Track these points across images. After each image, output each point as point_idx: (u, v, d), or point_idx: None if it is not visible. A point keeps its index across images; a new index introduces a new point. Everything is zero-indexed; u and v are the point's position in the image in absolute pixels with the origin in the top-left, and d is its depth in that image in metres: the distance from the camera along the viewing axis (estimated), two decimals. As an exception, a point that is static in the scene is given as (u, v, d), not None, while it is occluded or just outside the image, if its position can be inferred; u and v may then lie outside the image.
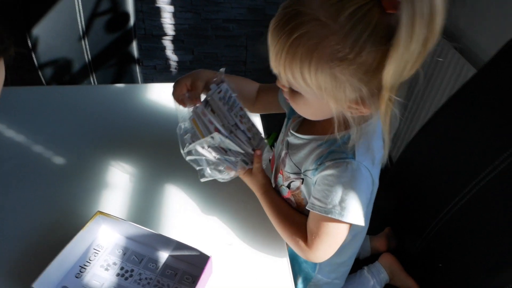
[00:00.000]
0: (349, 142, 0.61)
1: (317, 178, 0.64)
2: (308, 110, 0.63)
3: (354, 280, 0.90)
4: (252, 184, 0.75)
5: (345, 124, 0.59)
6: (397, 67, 0.48)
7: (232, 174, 0.73)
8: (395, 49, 0.46)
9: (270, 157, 0.81)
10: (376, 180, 0.64)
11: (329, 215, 0.61)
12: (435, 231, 0.86)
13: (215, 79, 0.75)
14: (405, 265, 0.91)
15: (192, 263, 0.66)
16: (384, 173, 0.92)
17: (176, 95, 0.76)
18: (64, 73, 1.60)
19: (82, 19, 1.50)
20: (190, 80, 0.77)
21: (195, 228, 0.74)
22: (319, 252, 0.66)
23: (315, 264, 0.79)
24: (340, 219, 0.61)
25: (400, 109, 0.55)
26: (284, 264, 0.70)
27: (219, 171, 0.72)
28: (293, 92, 0.60)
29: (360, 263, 0.95)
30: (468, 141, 0.82)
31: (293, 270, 0.73)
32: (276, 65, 0.56)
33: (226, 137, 0.70)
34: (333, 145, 0.63)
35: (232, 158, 0.71)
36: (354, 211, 0.61)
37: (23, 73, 1.71)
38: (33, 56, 1.50)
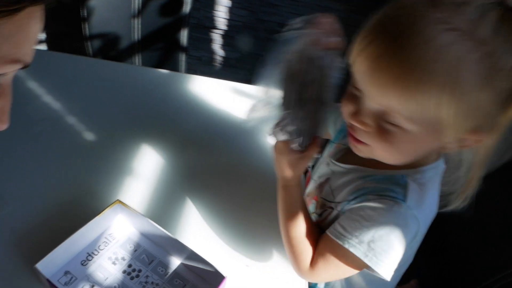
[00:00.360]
0: (401, 183, 0.54)
1: (351, 206, 0.57)
2: (403, 148, 0.51)
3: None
4: (281, 167, 0.61)
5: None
6: None
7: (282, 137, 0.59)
8: None
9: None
10: (421, 233, 0.57)
11: (348, 247, 0.54)
12: (457, 261, 0.77)
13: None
14: None
15: (204, 278, 0.61)
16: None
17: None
18: (111, 48, 1.59)
19: (141, -3, 1.49)
20: None
21: (214, 240, 0.69)
22: (317, 276, 0.60)
23: None
24: (362, 259, 0.53)
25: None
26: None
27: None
28: (386, 130, 0.49)
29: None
30: None
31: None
32: (392, 93, 0.45)
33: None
34: (380, 181, 0.57)
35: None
36: (385, 261, 0.53)
37: (73, 41, 1.73)
38: (85, 26, 1.51)
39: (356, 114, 0.51)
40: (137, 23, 1.54)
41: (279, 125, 0.58)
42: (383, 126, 0.49)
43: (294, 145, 0.59)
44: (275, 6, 1.68)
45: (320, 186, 0.67)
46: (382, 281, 0.64)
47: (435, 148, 0.53)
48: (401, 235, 0.53)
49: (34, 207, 0.68)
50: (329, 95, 0.59)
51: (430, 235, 0.89)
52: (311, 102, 0.57)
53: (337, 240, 0.55)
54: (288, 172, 0.60)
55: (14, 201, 0.68)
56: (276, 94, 0.59)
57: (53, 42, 1.79)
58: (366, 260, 0.53)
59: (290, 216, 0.61)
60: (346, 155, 0.65)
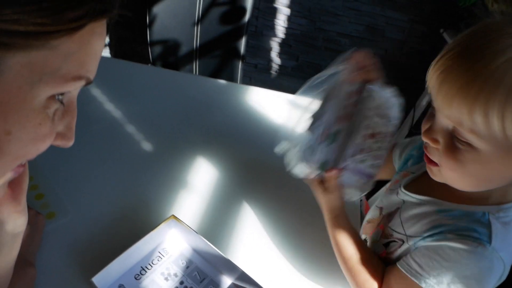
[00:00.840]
0: (483, 221, 0.50)
1: (428, 244, 0.53)
2: (473, 170, 0.48)
3: None
4: (323, 201, 0.65)
5: (484, 197, 0.49)
6: None
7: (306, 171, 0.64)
8: None
9: (362, 198, 0.71)
10: (505, 275, 0.52)
11: (425, 286, 0.51)
12: None
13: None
14: None
15: (253, 301, 0.60)
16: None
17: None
18: (171, 54, 1.64)
19: (201, 6, 1.52)
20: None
21: (265, 263, 0.67)
22: None
23: None
24: None
25: None
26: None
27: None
28: (455, 147, 0.48)
29: None
30: None
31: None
32: (457, 102, 0.44)
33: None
34: (459, 218, 0.52)
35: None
36: None
37: (136, 45, 1.79)
38: (148, 31, 1.56)
39: (428, 130, 0.51)
40: (197, 30, 1.57)
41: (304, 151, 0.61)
42: (453, 143, 0.48)
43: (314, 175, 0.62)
44: (335, 16, 1.64)
45: (389, 216, 0.64)
46: None
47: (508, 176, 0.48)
48: (485, 279, 0.50)
49: (91, 218, 0.70)
50: (362, 129, 0.61)
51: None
52: (340, 135, 0.59)
53: (413, 278, 0.53)
54: (328, 204, 0.64)
55: (73, 211, 0.70)
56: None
57: (117, 46, 1.87)
58: None
59: (348, 249, 0.60)
60: (418, 185, 0.62)
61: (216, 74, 1.66)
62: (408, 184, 0.63)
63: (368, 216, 0.71)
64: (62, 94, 0.34)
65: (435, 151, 0.50)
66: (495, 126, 0.43)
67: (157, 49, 1.63)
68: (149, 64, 1.62)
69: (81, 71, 0.34)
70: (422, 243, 0.54)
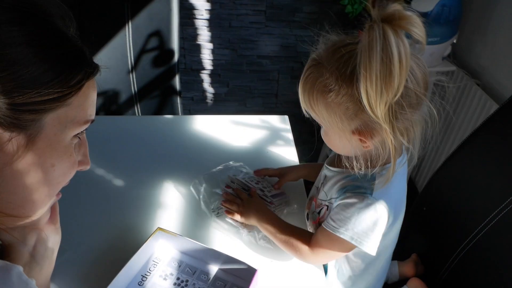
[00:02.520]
0: (369, 179, 0.71)
1: (337, 203, 0.74)
2: (329, 140, 0.74)
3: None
4: (249, 221, 0.83)
5: (368, 164, 0.69)
6: (368, 99, 0.58)
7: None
8: (361, 85, 0.57)
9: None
10: (397, 216, 0.75)
11: (339, 235, 0.71)
12: (460, 258, 0.91)
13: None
14: None
15: (239, 277, 0.75)
16: (411, 202, 1.00)
17: None
18: (112, 103, 1.75)
19: (132, 55, 1.66)
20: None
21: (241, 245, 0.83)
22: (317, 258, 0.77)
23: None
24: (349, 241, 0.70)
25: (421, 143, 0.66)
26: (320, 277, 0.77)
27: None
28: (322, 127, 0.74)
29: (388, 287, 1.01)
30: (491, 172, 0.89)
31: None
32: (301, 102, 0.71)
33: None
34: (355, 179, 0.73)
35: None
36: (367, 241, 0.70)
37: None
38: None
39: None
40: (132, 77, 1.71)
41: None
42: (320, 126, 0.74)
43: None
44: (253, 42, 1.87)
45: (318, 189, 0.83)
46: (377, 260, 0.81)
47: (353, 145, 0.70)
48: (374, 219, 0.70)
49: (90, 246, 0.81)
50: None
51: (423, 215, 1.04)
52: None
53: (332, 232, 0.72)
54: (253, 220, 0.83)
55: (73, 245, 0.81)
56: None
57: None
58: (352, 242, 0.70)
59: (276, 233, 0.79)
60: (334, 160, 0.81)
61: (158, 113, 1.79)
62: (330, 160, 0.84)
63: (309, 195, 0.89)
64: (79, 133, 0.49)
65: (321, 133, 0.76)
66: (311, 113, 0.70)
67: (98, 101, 1.73)
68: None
69: (88, 116, 0.50)
70: (335, 203, 0.74)
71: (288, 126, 1.20)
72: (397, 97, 0.58)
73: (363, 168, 0.70)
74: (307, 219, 0.87)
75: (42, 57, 0.43)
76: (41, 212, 0.50)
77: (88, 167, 0.54)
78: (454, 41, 1.61)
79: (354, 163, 0.70)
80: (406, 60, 0.55)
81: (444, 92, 0.73)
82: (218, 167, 0.98)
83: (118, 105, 1.76)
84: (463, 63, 1.61)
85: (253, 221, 0.82)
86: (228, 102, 2.07)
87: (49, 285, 0.62)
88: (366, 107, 0.58)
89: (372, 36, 0.54)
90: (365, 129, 0.66)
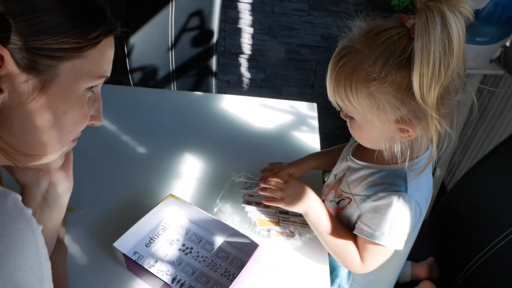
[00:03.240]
0: (401, 175, 0.68)
1: (369, 206, 0.71)
2: (362, 134, 0.70)
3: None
4: (292, 209, 0.76)
5: (401, 157, 0.66)
6: (420, 84, 0.54)
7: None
8: (415, 67, 0.54)
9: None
10: (423, 212, 0.71)
11: (377, 241, 0.69)
12: (477, 266, 0.87)
13: None
14: None
15: (243, 250, 0.76)
16: (435, 203, 0.96)
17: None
18: (150, 78, 1.80)
19: (173, 33, 1.70)
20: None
21: (248, 220, 0.83)
22: (369, 267, 0.73)
23: (348, 278, 0.84)
24: (385, 245, 0.68)
25: (455, 133, 0.61)
26: (324, 270, 0.76)
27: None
28: (350, 119, 0.69)
29: (400, 287, 0.98)
30: None
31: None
32: (330, 92, 0.66)
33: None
34: (386, 177, 0.71)
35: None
36: (399, 239, 0.68)
37: (115, 75, 1.95)
38: (127, 61, 1.73)
39: (341, 113, 0.71)
40: (171, 55, 1.74)
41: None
42: (349, 118, 0.70)
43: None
44: (293, 30, 1.85)
45: (340, 180, 0.81)
46: (396, 254, 0.78)
47: (388, 137, 0.66)
48: (408, 218, 0.68)
49: (105, 205, 0.85)
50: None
51: (439, 219, 1.00)
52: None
53: (369, 239, 0.70)
54: (296, 210, 0.76)
55: (90, 202, 0.85)
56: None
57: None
58: (388, 245, 0.69)
59: (324, 233, 0.74)
60: (361, 152, 0.79)
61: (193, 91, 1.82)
62: (355, 152, 0.81)
63: (327, 182, 0.88)
64: (92, 87, 0.51)
65: (349, 125, 0.71)
66: (348, 105, 0.65)
67: (137, 76, 1.79)
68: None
69: (102, 71, 0.52)
70: (365, 205, 0.71)
71: (315, 114, 1.19)
72: (449, 79, 0.56)
73: (399, 162, 0.67)
74: None
75: (64, 8, 0.45)
76: (53, 157, 0.53)
77: (100, 123, 0.56)
78: (507, 43, 1.51)
79: (386, 156, 0.67)
80: (464, 39, 0.54)
81: (490, 96, 0.68)
82: (224, 188, 0.91)
83: (155, 81, 1.81)
84: (513, 68, 1.51)
85: (299, 208, 0.75)
86: (264, 89, 2.07)
87: (58, 230, 0.66)
88: (417, 93, 0.55)
89: (430, 16, 0.52)
90: (410, 118, 0.62)
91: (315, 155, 0.95)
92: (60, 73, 0.46)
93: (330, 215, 0.76)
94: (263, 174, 0.90)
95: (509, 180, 0.86)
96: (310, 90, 2.04)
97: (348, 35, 0.65)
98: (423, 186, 0.71)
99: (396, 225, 0.68)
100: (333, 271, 0.83)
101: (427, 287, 0.94)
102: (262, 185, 0.79)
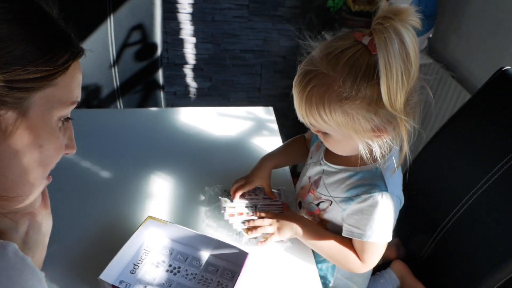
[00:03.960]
0: (378, 175, 0.74)
1: (354, 208, 0.75)
2: (339, 147, 0.75)
3: (368, 286, 1.00)
4: (284, 236, 0.81)
5: (371, 158, 0.71)
6: (389, 95, 0.61)
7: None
8: (382, 81, 0.60)
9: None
10: (402, 201, 0.78)
11: (370, 240, 0.74)
12: (439, 239, 0.96)
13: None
14: (414, 271, 1.01)
15: (231, 261, 0.77)
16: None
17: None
18: (94, 97, 1.73)
19: (114, 49, 1.65)
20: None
21: (231, 231, 0.85)
22: (370, 265, 0.79)
23: (333, 269, 0.88)
24: (378, 242, 0.74)
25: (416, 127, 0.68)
26: (312, 269, 0.80)
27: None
28: (324, 134, 0.73)
29: (372, 270, 1.04)
30: (465, 157, 0.93)
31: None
32: (302, 114, 0.70)
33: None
34: (364, 178, 0.75)
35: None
36: (388, 232, 0.75)
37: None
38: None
39: (313, 129, 0.75)
40: (114, 71, 1.69)
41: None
42: (323, 133, 0.73)
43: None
44: (236, 36, 1.88)
45: (316, 182, 0.84)
46: None
47: (364, 144, 0.71)
48: (393, 212, 0.75)
49: (81, 236, 0.82)
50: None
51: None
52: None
53: (359, 239, 0.75)
54: (291, 235, 0.81)
55: (64, 234, 0.81)
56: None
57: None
58: (381, 241, 0.75)
59: (319, 245, 0.80)
60: (334, 156, 0.82)
61: (140, 107, 1.78)
62: (326, 155, 0.84)
63: (301, 184, 0.91)
64: (63, 116, 0.49)
65: (321, 137, 0.76)
66: (323, 124, 0.68)
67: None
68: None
69: (74, 97, 0.50)
70: (349, 207, 0.76)
71: (273, 117, 1.22)
72: (411, 84, 0.62)
73: (373, 162, 0.71)
74: (300, 208, 0.89)
75: (30, 35, 0.43)
76: (34, 196, 0.50)
77: (74, 152, 0.54)
78: (430, 35, 1.66)
79: (366, 159, 0.71)
80: (418, 47, 0.61)
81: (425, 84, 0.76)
82: (202, 199, 0.93)
83: (100, 100, 1.74)
84: (439, 56, 1.67)
85: (290, 235, 0.81)
86: (211, 97, 2.08)
87: (41, 267, 0.62)
88: (386, 102, 0.61)
89: (387, 35, 0.58)
90: (383, 124, 0.67)
91: (269, 157, 0.97)
92: (32, 104, 0.44)
93: (317, 225, 0.81)
94: (236, 184, 0.92)
95: (457, 157, 0.96)
96: (257, 93, 2.08)
97: (307, 58, 0.69)
98: (398, 179, 0.78)
99: (384, 221, 0.73)
100: (317, 266, 0.87)
101: (398, 266, 1.01)
102: (254, 224, 0.83)
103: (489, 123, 0.89)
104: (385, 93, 0.60)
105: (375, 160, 0.72)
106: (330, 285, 0.90)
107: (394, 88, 0.59)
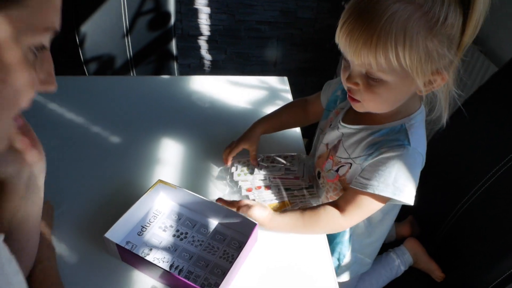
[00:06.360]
0: (402, 131, 0.69)
1: (371, 162, 0.70)
2: (387, 97, 0.65)
3: (380, 260, 0.97)
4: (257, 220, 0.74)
5: (398, 114, 0.68)
6: (473, 28, 0.57)
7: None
8: (474, 12, 0.55)
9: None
10: (423, 162, 0.72)
11: (369, 191, 0.68)
12: (457, 218, 0.92)
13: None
14: (428, 250, 0.98)
15: (239, 231, 0.75)
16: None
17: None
18: (107, 68, 1.71)
19: (127, 18, 1.62)
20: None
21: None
22: (352, 219, 0.73)
23: (349, 243, 0.86)
24: (391, 197, 0.68)
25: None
26: (322, 240, 0.77)
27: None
28: (371, 84, 0.65)
29: (386, 247, 1.01)
30: (488, 133, 0.89)
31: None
32: (364, 53, 0.60)
33: None
34: (387, 134, 0.71)
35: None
36: (408, 192, 0.68)
37: (67, 69, 1.83)
38: (80, 52, 1.63)
39: (349, 78, 0.67)
40: (127, 41, 1.67)
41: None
42: (368, 82, 0.65)
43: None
44: (251, 6, 1.82)
45: (335, 147, 0.81)
46: (393, 211, 0.79)
47: (412, 93, 0.67)
48: (414, 169, 0.69)
49: (90, 198, 0.81)
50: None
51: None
52: None
53: (361, 189, 0.70)
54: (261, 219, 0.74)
55: (73, 196, 0.80)
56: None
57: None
58: (394, 197, 0.68)
59: (297, 227, 0.75)
60: (351, 117, 0.78)
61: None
62: (343, 118, 0.81)
63: (318, 153, 0.87)
64: (38, 45, 0.42)
65: (357, 91, 0.67)
66: (393, 62, 0.59)
67: (92, 66, 1.70)
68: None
69: (49, 23, 0.41)
70: (366, 162, 0.72)
71: (288, 87, 1.18)
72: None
73: (397, 119, 0.68)
74: (318, 178, 0.86)
75: None
76: None
77: (53, 88, 0.46)
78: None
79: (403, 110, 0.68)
80: None
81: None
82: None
83: (113, 70, 1.72)
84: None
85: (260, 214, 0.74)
86: (226, 70, 2.04)
87: (41, 216, 0.60)
88: (469, 36, 0.58)
89: None
90: (444, 68, 0.62)
91: (262, 121, 0.93)
92: None
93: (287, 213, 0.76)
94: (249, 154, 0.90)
95: (480, 133, 0.91)
96: (272, 67, 2.04)
97: None
98: (422, 138, 0.72)
99: (402, 177, 0.67)
100: (333, 240, 0.85)
101: (412, 243, 0.98)
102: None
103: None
104: (472, 27, 0.57)
105: (403, 115, 0.68)
106: (344, 259, 0.87)
107: (478, 20, 0.56)
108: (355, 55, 0.61)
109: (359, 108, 0.71)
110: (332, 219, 0.73)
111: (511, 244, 0.78)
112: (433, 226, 1.00)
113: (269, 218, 0.74)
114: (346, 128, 0.78)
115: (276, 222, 0.74)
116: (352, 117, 0.78)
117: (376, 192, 0.68)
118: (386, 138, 0.70)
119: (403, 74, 0.61)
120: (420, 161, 0.70)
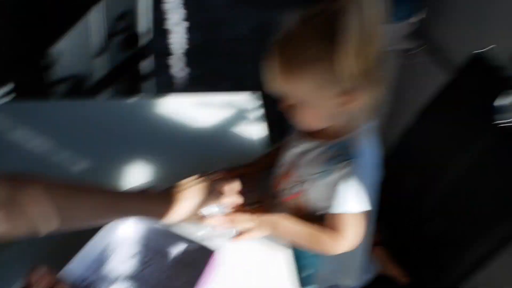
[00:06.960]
0: (350, 145, 0.73)
1: (327, 181, 0.73)
2: (310, 116, 0.72)
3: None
4: (259, 234, 0.79)
5: (344, 130, 0.72)
6: (345, 58, 0.62)
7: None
8: (341, 44, 0.61)
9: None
10: (371, 165, 0.75)
11: (349, 211, 0.72)
12: (415, 223, 0.98)
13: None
14: (393, 256, 1.02)
15: (199, 259, 0.73)
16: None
17: None
18: (77, 88, 1.69)
19: (101, 38, 1.61)
20: None
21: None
22: (351, 240, 0.74)
23: (317, 260, 0.85)
24: (357, 211, 0.72)
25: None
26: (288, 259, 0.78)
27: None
28: (292, 108, 0.71)
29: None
30: (442, 141, 0.96)
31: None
32: (274, 88, 0.69)
33: None
34: (337, 150, 0.74)
35: None
36: (359, 201, 0.72)
37: (38, 89, 1.79)
38: (50, 72, 1.60)
39: (281, 105, 0.73)
40: (101, 61, 1.66)
41: None
42: (291, 106, 0.71)
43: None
44: (224, 25, 1.84)
45: (293, 165, 0.81)
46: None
47: (335, 112, 0.71)
48: (365, 178, 0.73)
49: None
50: None
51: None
52: None
53: (341, 213, 0.72)
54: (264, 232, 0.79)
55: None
56: None
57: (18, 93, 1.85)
58: (359, 208, 0.72)
59: (296, 236, 0.78)
60: (310, 135, 0.80)
61: (130, 96, 1.74)
62: (303, 136, 0.81)
63: (275, 173, 0.87)
64: None
65: (290, 114, 0.73)
66: (297, 92, 0.69)
67: (63, 87, 1.67)
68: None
69: None
70: (323, 182, 0.74)
71: (258, 103, 1.20)
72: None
73: (345, 134, 0.72)
74: (275, 197, 0.86)
75: None
76: None
77: None
78: (415, 20, 1.63)
79: (337, 130, 0.72)
80: (380, 17, 0.63)
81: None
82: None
83: (86, 89, 1.70)
84: (424, 40, 1.63)
85: (270, 232, 0.79)
86: (200, 86, 2.04)
87: None
88: (353, 66, 0.62)
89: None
90: (352, 89, 0.67)
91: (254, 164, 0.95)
92: None
93: (291, 217, 0.78)
94: None
95: (433, 141, 0.98)
96: (247, 82, 2.05)
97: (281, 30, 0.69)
98: (368, 148, 0.75)
99: (352, 189, 0.71)
100: (299, 260, 0.83)
101: (379, 253, 1.00)
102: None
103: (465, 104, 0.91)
104: (351, 56, 0.61)
105: (349, 130, 0.72)
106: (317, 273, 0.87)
107: (351, 52, 0.61)
108: (272, 88, 0.70)
109: (301, 127, 0.76)
110: (326, 242, 0.75)
111: (471, 244, 0.83)
112: (395, 233, 1.04)
113: (281, 228, 0.78)
114: (304, 144, 0.80)
115: (278, 232, 0.78)
116: (310, 133, 0.80)
117: (347, 211, 0.72)
118: (336, 154, 0.74)
119: (309, 99, 0.69)
120: (371, 166, 0.75)
